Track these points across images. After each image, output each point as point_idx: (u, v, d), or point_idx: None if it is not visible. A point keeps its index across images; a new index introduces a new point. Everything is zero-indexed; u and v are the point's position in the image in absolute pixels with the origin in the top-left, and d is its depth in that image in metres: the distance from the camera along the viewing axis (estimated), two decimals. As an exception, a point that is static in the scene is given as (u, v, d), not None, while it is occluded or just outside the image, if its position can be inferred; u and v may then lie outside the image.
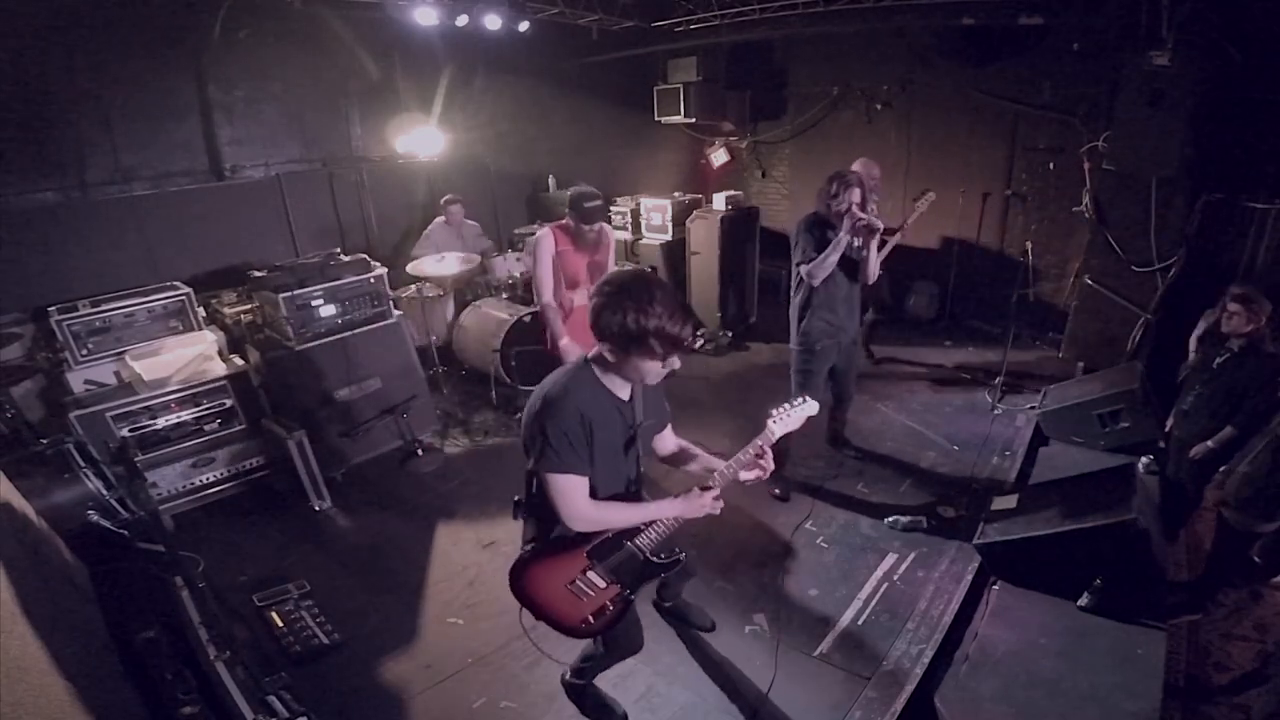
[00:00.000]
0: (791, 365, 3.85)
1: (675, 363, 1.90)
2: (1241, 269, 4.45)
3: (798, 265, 3.62)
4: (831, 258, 3.46)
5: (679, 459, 2.31)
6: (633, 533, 2.10)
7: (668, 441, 2.29)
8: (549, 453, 1.85)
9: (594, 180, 7.04)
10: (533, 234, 5.84)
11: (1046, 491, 3.47)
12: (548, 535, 2.08)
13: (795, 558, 3.44)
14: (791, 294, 3.79)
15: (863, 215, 3.46)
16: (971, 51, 5.95)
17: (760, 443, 2.11)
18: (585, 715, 2.59)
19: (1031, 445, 4.41)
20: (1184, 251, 4.73)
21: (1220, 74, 4.30)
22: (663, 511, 2.09)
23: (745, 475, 2.13)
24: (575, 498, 1.92)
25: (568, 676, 2.62)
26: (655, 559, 2.16)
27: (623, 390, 1.98)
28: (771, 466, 2.14)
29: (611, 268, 3.84)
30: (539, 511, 2.06)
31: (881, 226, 3.56)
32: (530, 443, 1.93)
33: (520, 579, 2.06)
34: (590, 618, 2.08)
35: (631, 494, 2.14)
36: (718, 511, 2.11)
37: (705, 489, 2.10)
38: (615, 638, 2.26)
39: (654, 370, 1.87)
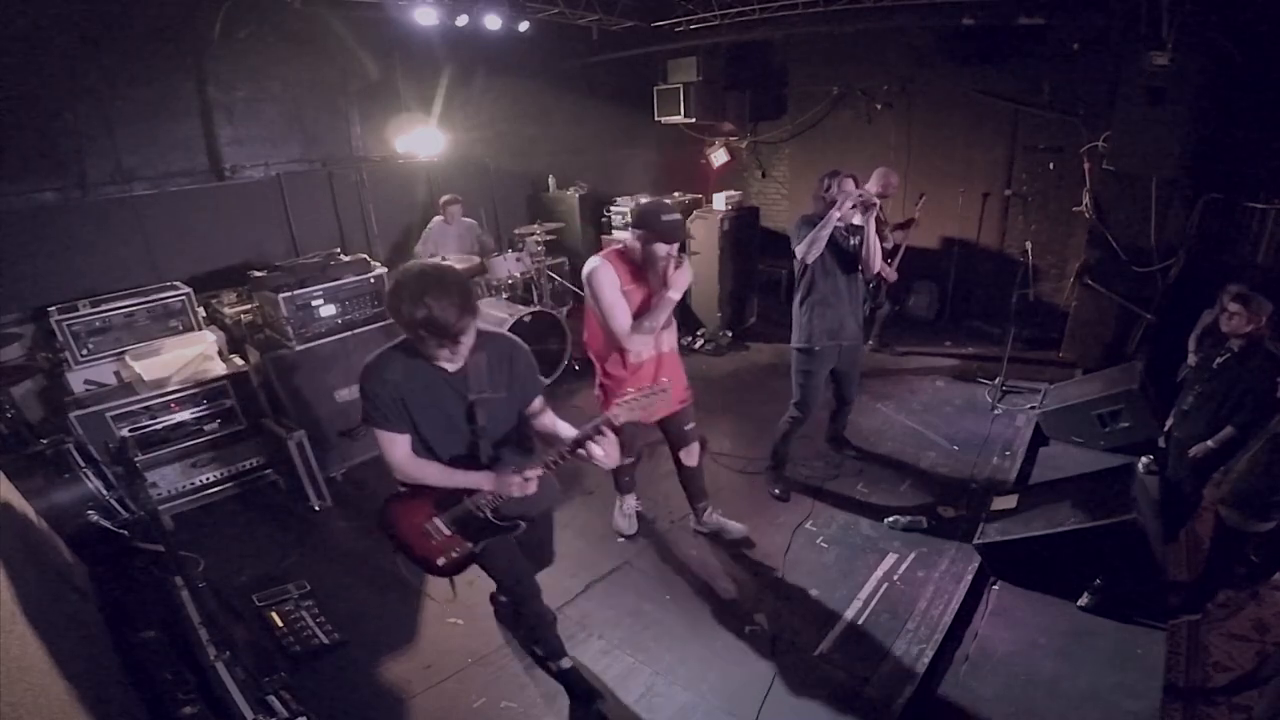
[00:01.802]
0: (792, 367, 3.83)
1: (457, 354, 1.97)
2: (1241, 269, 4.45)
3: (795, 248, 3.57)
4: (823, 233, 3.41)
5: (541, 428, 2.32)
6: (471, 491, 2.16)
7: (536, 412, 2.31)
8: (365, 409, 2.06)
9: (594, 180, 7.14)
10: (532, 234, 5.88)
11: (1046, 491, 3.47)
12: None
13: (795, 558, 3.44)
14: (794, 294, 3.77)
15: (857, 193, 3.45)
16: (971, 51, 5.96)
17: (599, 423, 2.04)
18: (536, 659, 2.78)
19: (1031, 445, 4.41)
20: (1184, 251, 4.73)
21: (1220, 74, 4.30)
22: (473, 482, 2.14)
23: (585, 453, 2.07)
24: (390, 449, 2.09)
25: (534, 649, 2.80)
26: (495, 520, 2.21)
27: (450, 364, 2.04)
28: (614, 451, 2.08)
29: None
30: None
31: (877, 201, 3.53)
32: None
33: (384, 513, 2.24)
34: (440, 560, 2.25)
35: (482, 460, 2.19)
36: (530, 491, 2.11)
37: (518, 471, 2.11)
38: (496, 577, 2.47)
39: (443, 357, 1.97)
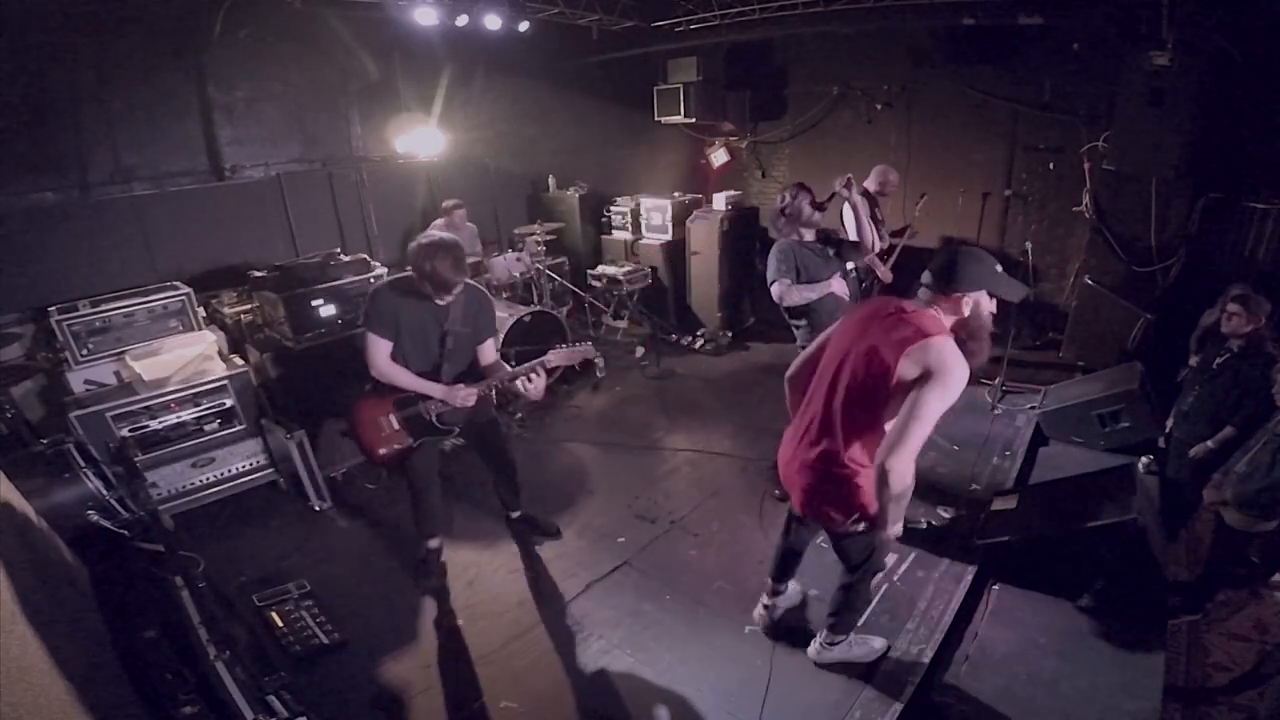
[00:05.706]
0: None
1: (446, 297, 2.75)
2: (1241, 269, 4.45)
3: (770, 284, 3.42)
4: (811, 295, 3.34)
5: (489, 364, 3.00)
6: (426, 397, 2.87)
7: (485, 353, 2.99)
8: (365, 316, 2.80)
9: (594, 180, 7.13)
10: (532, 234, 5.86)
11: (1046, 491, 3.47)
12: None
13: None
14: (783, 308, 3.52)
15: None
16: (972, 51, 5.95)
17: (536, 363, 2.83)
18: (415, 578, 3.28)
19: (1031, 445, 4.40)
20: (1184, 251, 4.73)
21: (1220, 74, 4.30)
22: (429, 389, 2.85)
23: (518, 385, 2.85)
24: (374, 351, 2.78)
25: (420, 553, 3.30)
26: (435, 422, 2.94)
27: (440, 298, 2.75)
28: (542, 389, 2.84)
29: None
30: None
31: (843, 183, 3.48)
32: None
33: (353, 406, 2.92)
34: (382, 450, 2.91)
35: (443, 379, 2.87)
36: (469, 404, 2.88)
37: (466, 387, 2.85)
38: (413, 470, 3.05)
39: (437, 296, 2.74)
